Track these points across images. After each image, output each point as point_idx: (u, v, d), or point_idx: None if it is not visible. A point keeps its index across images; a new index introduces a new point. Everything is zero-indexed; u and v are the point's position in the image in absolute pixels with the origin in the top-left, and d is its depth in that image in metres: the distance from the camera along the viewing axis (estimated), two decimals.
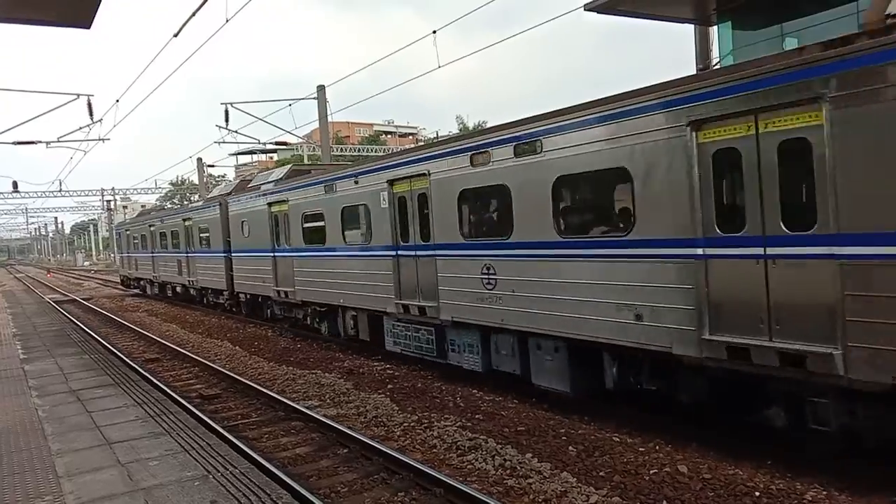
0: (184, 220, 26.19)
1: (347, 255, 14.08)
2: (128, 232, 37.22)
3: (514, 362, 10.04)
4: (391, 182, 12.24)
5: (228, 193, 22.28)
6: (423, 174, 11.28)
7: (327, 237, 14.81)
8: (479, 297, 10.16)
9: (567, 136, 8.54)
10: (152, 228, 30.94)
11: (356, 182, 13.40)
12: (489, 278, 9.97)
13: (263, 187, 18.50)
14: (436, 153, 11.13)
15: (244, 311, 21.63)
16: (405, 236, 12.10)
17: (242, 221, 19.78)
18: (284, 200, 16.81)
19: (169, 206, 70.01)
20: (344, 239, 14.23)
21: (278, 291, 17.56)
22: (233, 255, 20.98)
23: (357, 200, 13.56)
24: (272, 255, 17.71)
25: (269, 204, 17.70)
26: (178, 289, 28.17)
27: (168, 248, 28.60)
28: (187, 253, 25.86)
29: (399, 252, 12.25)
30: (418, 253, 11.70)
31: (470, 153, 10.21)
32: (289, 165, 20.93)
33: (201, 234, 24.04)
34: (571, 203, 9.34)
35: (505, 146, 9.54)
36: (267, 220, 17.82)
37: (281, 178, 17.95)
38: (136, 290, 36.07)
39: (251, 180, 21.74)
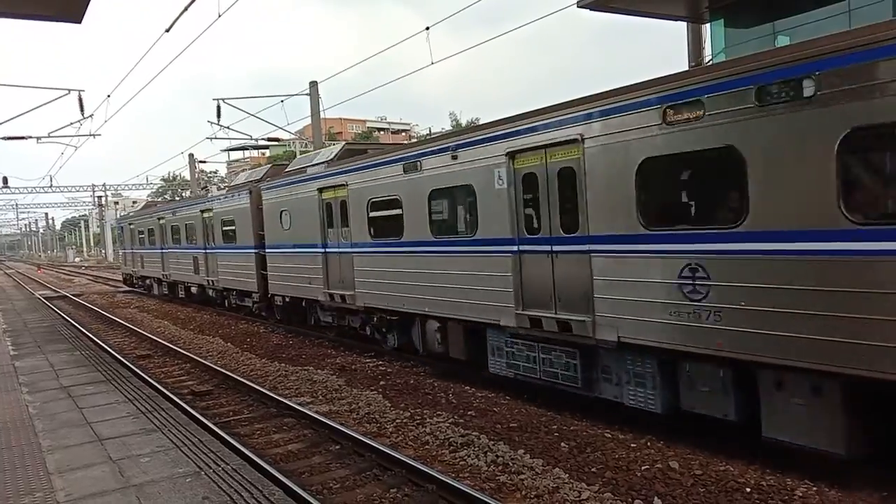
0: (202, 211, 23.21)
1: (436, 252, 11.43)
2: (132, 226, 33.82)
3: (726, 403, 7.30)
4: (512, 155, 9.62)
5: (259, 179, 19.44)
6: (573, 140, 8.59)
7: (406, 228, 12.12)
8: (673, 310, 7.49)
9: (877, 67, 5.62)
10: (162, 222, 27.96)
11: (454, 157, 10.78)
12: (694, 284, 7.28)
13: (310, 170, 15.80)
14: (597, 109, 8.33)
15: (278, 317, 18.83)
16: (532, 226, 9.54)
17: (282, 211, 17.01)
18: (342, 185, 14.07)
19: (162, 199, 69.47)
20: (431, 230, 11.54)
21: (331, 295, 14.92)
22: (267, 251, 18.19)
23: (454, 181, 10.88)
24: (323, 251, 15.17)
25: (320, 189, 15.00)
26: (194, 289, 25.28)
27: (182, 243, 25.63)
28: (206, 249, 23.08)
29: (522, 247, 9.65)
30: (556, 248, 9.12)
31: (663, 106, 7.43)
32: (342, 143, 17.93)
33: (225, 228, 21.25)
34: (885, 170, 6.35)
35: (733, 91, 6.74)
36: (316, 210, 15.18)
37: (333, 159, 15.20)
38: (141, 290, 33.31)
39: (287, 164, 19.23)
